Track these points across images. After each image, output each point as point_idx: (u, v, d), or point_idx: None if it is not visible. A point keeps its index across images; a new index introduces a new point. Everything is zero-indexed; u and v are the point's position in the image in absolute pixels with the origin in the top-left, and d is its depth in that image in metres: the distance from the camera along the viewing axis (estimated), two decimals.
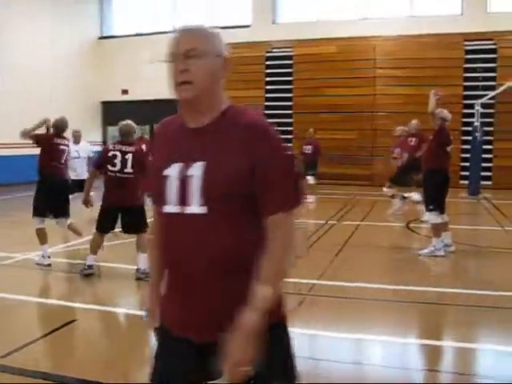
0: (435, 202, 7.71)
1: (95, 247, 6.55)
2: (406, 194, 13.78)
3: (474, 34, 17.96)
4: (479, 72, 17.79)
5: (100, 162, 6.56)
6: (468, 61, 17.87)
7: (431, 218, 7.80)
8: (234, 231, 1.81)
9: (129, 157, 6.31)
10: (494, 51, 17.60)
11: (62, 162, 7.33)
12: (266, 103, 19.77)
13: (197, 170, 1.80)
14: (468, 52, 17.89)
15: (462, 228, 10.35)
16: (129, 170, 6.30)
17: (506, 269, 7.28)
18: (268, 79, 19.82)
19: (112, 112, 24.04)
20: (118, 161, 6.28)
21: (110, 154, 6.37)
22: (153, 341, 2.22)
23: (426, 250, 7.82)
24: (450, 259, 7.85)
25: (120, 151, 6.35)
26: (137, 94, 22.81)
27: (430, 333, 5.07)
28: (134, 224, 6.45)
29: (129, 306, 5.77)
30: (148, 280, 2.19)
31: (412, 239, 9.39)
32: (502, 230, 9.90)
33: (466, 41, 17.92)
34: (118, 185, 6.30)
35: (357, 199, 14.49)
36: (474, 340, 4.85)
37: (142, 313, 2.13)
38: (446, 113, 7.92)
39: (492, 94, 15.40)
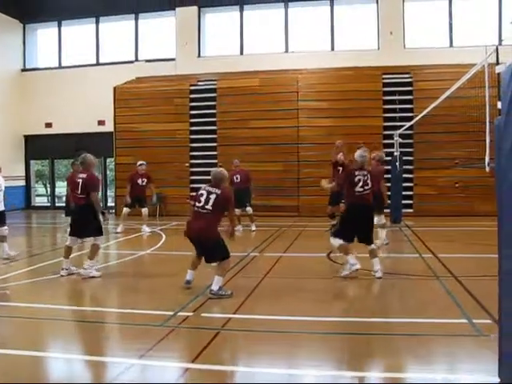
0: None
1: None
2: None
3: (392, 67, 18.68)
4: (397, 104, 18.39)
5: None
6: (386, 93, 18.46)
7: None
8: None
9: (212, 197, 7.39)
10: (410, 84, 18.29)
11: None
12: (191, 136, 19.65)
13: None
14: (386, 85, 18.50)
15: (382, 256, 10.47)
16: (209, 207, 7.38)
17: (420, 295, 7.36)
18: (192, 112, 19.74)
19: (35, 146, 23.38)
20: (203, 198, 7.42)
21: (199, 192, 7.58)
22: None
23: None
24: (371, 287, 7.88)
25: (206, 191, 7.49)
26: (61, 128, 22.24)
27: (350, 363, 4.95)
28: (210, 254, 7.45)
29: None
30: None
31: (332, 269, 9.35)
32: (419, 257, 10.07)
33: (384, 74, 18.55)
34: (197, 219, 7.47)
35: (282, 231, 14.47)
36: (397, 369, 4.77)
37: None
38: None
39: (408, 124, 15.91)
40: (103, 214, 8.97)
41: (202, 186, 7.76)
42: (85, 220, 8.77)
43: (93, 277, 8.54)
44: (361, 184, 8.29)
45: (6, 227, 10.50)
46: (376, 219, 11.35)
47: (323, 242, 12.56)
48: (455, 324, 5.82)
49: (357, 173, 8.35)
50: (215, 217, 7.39)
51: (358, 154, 8.49)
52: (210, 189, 7.51)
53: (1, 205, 10.49)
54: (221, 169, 7.94)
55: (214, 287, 7.20)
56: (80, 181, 8.77)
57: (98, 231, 8.84)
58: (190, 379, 4.61)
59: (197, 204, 7.47)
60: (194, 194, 7.98)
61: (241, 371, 4.79)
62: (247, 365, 4.90)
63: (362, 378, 4.59)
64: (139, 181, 14.64)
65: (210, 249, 7.37)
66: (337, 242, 8.35)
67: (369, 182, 8.37)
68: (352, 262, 8.26)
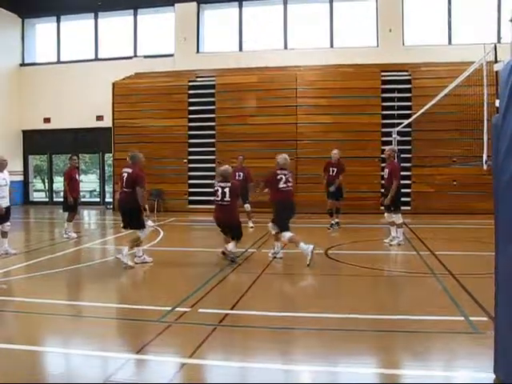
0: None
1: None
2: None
3: (391, 64, 18.68)
4: (395, 101, 18.41)
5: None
6: (385, 91, 18.46)
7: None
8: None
9: (227, 190, 9.30)
10: (408, 82, 18.30)
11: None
12: (189, 132, 19.64)
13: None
14: (385, 82, 18.50)
15: (379, 253, 10.51)
16: (227, 199, 9.33)
17: (418, 293, 7.38)
18: (191, 108, 19.73)
19: (33, 141, 23.35)
20: (219, 193, 9.34)
21: (215, 188, 9.49)
22: None
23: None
24: (367, 284, 7.89)
25: (220, 187, 9.38)
26: (59, 123, 22.23)
27: (347, 360, 4.97)
28: (234, 232, 9.54)
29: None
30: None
31: (330, 266, 9.38)
32: (416, 254, 10.09)
33: (382, 71, 18.55)
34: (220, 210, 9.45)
35: None
36: (394, 366, 4.77)
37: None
38: None
39: (406, 122, 15.92)
40: (145, 209, 9.42)
41: (214, 182, 9.75)
42: (129, 213, 9.26)
43: (129, 266, 8.89)
44: (284, 180, 9.46)
45: (8, 223, 10.41)
46: (393, 217, 11.36)
47: (321, 238, 12.62)
48: (452, 321, 5.84)
49: (279, 172, 9.55)
50: (234, 204, 9.44)
51: (280, 157, 9.67)
52: (222, 184, 9.38)
53: (6, 200, 10.29)
54: (226, 166, 9.79)
55: (232, 249, 9.31)
56: (125, 175, 9.23)
57: (140, 225, 9.33)
58: (187, 374, 4.62)
59: (216, 198, 9.40)
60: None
61: (237, 367, 4.80)
62: (243, 360, 4.91)
63: (358, 374, 4.60)
64: None
65: (236, 229, 9.53)
66: (287, 235, 9.41)
67: (290, 179, 9.59)
68: (305, 247, 9.06)
